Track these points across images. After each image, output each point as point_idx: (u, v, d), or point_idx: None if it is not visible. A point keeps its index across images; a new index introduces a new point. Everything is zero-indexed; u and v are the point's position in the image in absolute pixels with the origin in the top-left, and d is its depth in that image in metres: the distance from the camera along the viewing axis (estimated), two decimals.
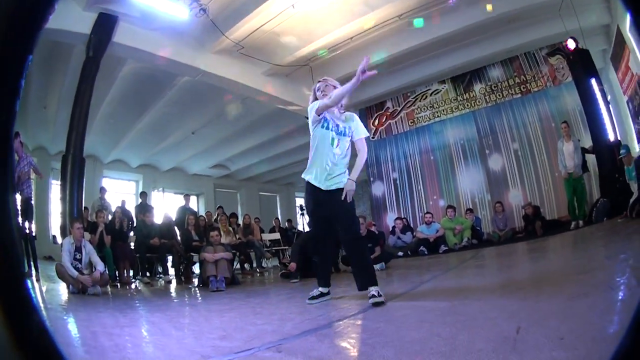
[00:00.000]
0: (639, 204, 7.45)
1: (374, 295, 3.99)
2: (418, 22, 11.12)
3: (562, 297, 3.16)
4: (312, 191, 4.59)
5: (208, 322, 4.09)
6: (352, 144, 4.67)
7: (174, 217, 11.68)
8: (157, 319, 4.59)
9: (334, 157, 4.46)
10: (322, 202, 4.51)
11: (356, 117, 4.73)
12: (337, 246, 7.01)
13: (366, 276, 4.26)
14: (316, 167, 4.53)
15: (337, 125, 4.53)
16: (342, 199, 4.38)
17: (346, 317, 3.59)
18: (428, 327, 2.89)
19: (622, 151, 8.94)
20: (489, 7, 10.80)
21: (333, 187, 4.44)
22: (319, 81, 4.76)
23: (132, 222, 10.96)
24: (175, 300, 6.57)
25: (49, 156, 12.10)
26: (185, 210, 12.08)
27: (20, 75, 1.09)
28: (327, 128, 4.51)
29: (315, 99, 4.66)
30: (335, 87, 4.61)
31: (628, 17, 9.18)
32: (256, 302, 5.23)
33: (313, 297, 4.62)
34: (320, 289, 4.67)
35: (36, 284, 7.65)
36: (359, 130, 4.64)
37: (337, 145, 4.48)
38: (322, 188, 4.47)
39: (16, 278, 1.15)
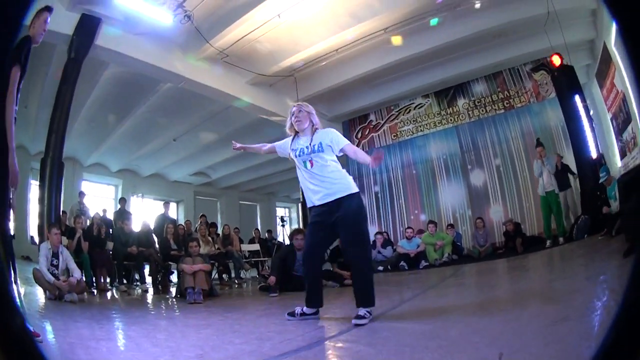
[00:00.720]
0: (619, 221, 7.44)
1: (361, 316, 3.92)
2: (434, 21, 11.11)
3: (544, 321, 3.14)
4: (311, 212, 4.58)
5: (185, 339, 3.97)
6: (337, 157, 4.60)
7: (152, 225, 11.51)
8: (133, 332, 4.47)
9: (312, 175, 4.44)
10: (321, 212, 4.43)
11: (330, 132, 4.65)
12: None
13: (367, 294, 4.18)
14: (307, 193, 4.54)
15: (306, 147, 4.52)
16: (354, 211, 4.32)
17: (326, 339, 3.51)
18: (409, 352, 2.81)
19: (602, 174, 8.97)
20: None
21: (333, 198, 4.34)
22: (294, 106, 4.75)
23: (110, 230, 10.73)
24: (152, 312, 6.41)
25: (29, 156, 11.89)
26: (164, 219, 11.92)
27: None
28: (296, 156, 4.58)
29: (291, 124, 4.69)
30: (309, 113, 4.65)
31: (613, 32, 9.28)
32: (234, 318, 5.12)
33: (293, 314, 4.51)
34: (306, 309, 4.52)
35: (14, 286, 7.47)
36: (338, 142, 4.55)
37: (312, 166, 4.45)
38: (322, 202, 4.40)
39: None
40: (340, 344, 3.31)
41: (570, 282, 4.89)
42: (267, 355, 3.01)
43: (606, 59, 10.29)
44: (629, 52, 1.17)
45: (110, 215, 12.14)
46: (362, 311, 4.00)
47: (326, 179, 4.37)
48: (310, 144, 4.49)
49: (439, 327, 3.50)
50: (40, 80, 10.44)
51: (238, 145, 5.29)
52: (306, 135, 4.61)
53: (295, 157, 4.57)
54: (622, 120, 9.88)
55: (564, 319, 3.07)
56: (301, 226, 15.74)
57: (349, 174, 4.54)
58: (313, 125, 4.64)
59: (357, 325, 3.82)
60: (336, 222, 4.31)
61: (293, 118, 4.64)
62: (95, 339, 3.95)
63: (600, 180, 8.97)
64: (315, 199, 4.43)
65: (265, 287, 8.24)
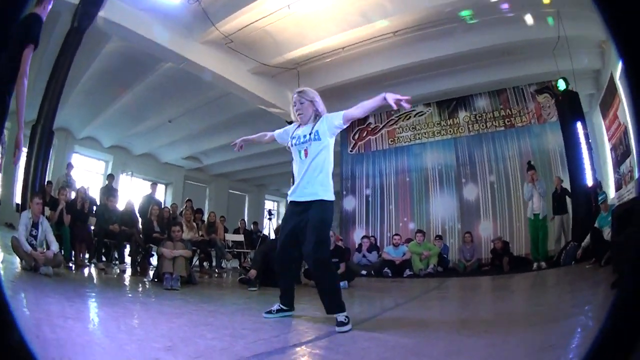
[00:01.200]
0: (608, 252, 7.37)
1: (341, 322, 3.75)
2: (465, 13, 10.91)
3: (530, 347, 3.05)
4: (289, 204, 4.43)
5: (155, 327, 3.78)
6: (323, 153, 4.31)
7: (137, 204, 11.34)
8: (103, 314, 4.33)
9: (304, 166, 4.24)
10: (294, 213, 4.28)
11: (325, 116, 4.37)
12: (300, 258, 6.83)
13: (333, 302, 4.01)
14: (294, 183, 4.34)
15: (303, 136, 4.30)
16: (319, 216, 4.13)
17: (302, 343, 3.35)
18: None
19: (600, 197, 8.89)
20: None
21: (307, 199, 4.18)
22: (295, 93, 4.48)
23: (94, 206, 10.54)
24: (126, 295, 6.21)
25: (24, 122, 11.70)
26: (150, 200, 11.78)
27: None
28: (293, 145, 4.38)
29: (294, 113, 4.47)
30: (312, 101, 4.36)
31: (620, 66, 9.21)
32: (209, 310, 4.93)
33: (270, 312, 4.39)
34: (282, 305, 4.42)
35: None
36: (334, 118, 4.28)
37: (306, 155, 4.25)
38: (297, 200, 4.25)
39: None
40: (316, 350, 3.16)
41: (556, 309, 4.75)
42: (238, 355, 2.84)
43: (612, 90, 10.23)
44: (631, 91, 1.17)
45: (93, 192, 11.89)
46: (340, 317, 3.82)
47: (312, 178, 4.19)
48: (307, 132, 4.29)
49: (422, 342, 3.36)
50: (41, 47, 10.24)
51: (239, 142, 5.03)
52: (309, 124, 4.37)
53: (292, 146, 4.37)
54: (621, 152, 9.81)
55: (550, 346, 2.99)
56: None
57: (343, 175, 4.39)
58: (316, 114, 4.38)
59: (341, 332, 3.66)
60: (304, 221, 4.18)
61: (294, 109, 4.41)
62: (64, 316, 3.76)
63: (599, 202, 8.90)
64: (296, 194, 4.29)
65: (245, 280, 8.06)
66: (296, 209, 4.27)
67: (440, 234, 13.26)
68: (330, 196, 4.21)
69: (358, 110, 4.27)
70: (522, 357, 2.88)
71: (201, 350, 2.97)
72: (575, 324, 3.69)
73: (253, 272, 7.69)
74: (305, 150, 4.24)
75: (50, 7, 3.78)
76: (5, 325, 1.18)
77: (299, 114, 4.37)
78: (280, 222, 8.71)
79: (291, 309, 4.46)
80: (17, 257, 6.97)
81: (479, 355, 2.95)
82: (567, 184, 10.93)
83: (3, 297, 1.20)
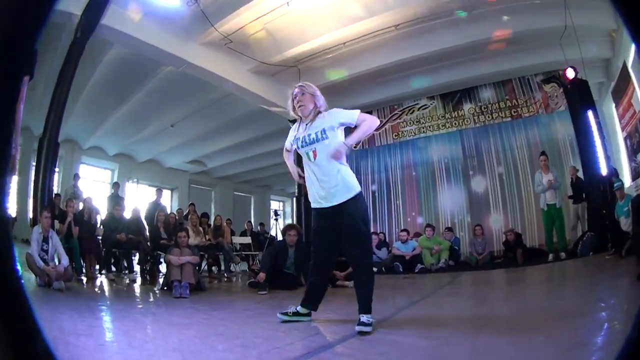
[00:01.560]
0: (630, 242, 7.21)
1: (363, 323, 3.64)
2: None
3: (559, 346, 2.86)
4: (315, 214, 4.23)
5: (165, 341, 3.66)
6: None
7: (143, 212, 11.26)
8: (114, 328, 4.27)
9: (316, 168, 4.06)
10: (327, 216, 4.10)
11: (334, 112, 4.18)
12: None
13: (368, 303, 3.88)
14: (310, 189, 4.19)
15: (307, 136, 4.12)
16: (355, 217, 3.99)
17: (319, 350, 3.17)
18: None
19: (616, 184, 8.71)
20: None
21: (338, 201, 4.01)
22: (295, 87, 4.31)
23: (97, 215, 10.45)
24: (135, 307, 6.10)
25: (32, 137, 11.63)
26: (155, 206, 11.74)
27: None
28: (299, 147, 4.20)
29: (293, 105, 4.29)
30: (313, 95, 4.21)
31: (632, 53, 9.06)
32: (220, 318, 4.81)
33: (286, 314, 4.27)
34: (300, 308, 4.28)
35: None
36: (347, 117, 4.11)
37: (315, 157, 4.07)
38: (325, 206, 4.08)
39: (10, 276, 1.15)
40: (333, 358, 3.01)
41: (580, 303, 4.58)
42: None
43: (625, 78, 10.05)
44: None
45: (100, 201, 11.80)
46: (364, 317, 3.71)
47: (329, 177, 4.01)
48: (313, 131, 4.11)
49: (442, 345, 3.22)
50: (48, 62, 10.18)
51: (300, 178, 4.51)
52: (309, 120, 4.21)
53: (299, 148, 4.20)
54: (637, 141, 9.63)
55: (580, 344, 2.86)
56: (294, 221, 15.43)
57: None
58: (316, 108, 4.23)
59: (360, 332, 3.56)
60: (339, 225, 4.01)
61: (295, 102, 4.25)
62: (76, 333, 3.67)
63: (615, 189, 8.72)
64: (319, 200, 4.11)
65: (254, 283, 7.96)
66: (327, 213, 4.09)
67: (449, 226, 13.11)
68: (357, 187, 4.07)
69: (367, 122, 4.11)
70: (551, 356, 2.72)
71: None
72: (603, 319, 3.55)
73: (262, 275, 7.55)
74: (314, 152, 4.07)
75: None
76: (32, 335, 1.15)
77: (299, 106, 4.21)
78: (286, 222, 8.61)
79: (309, 314, 4.31)
80: (32, 274, 6.90)
81: (505, 356, 2.82)
82: (580, 173, 10.77)
83: (29, 306, 1.16)
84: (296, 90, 4.25)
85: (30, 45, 1.15)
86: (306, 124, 4.21)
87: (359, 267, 4.09)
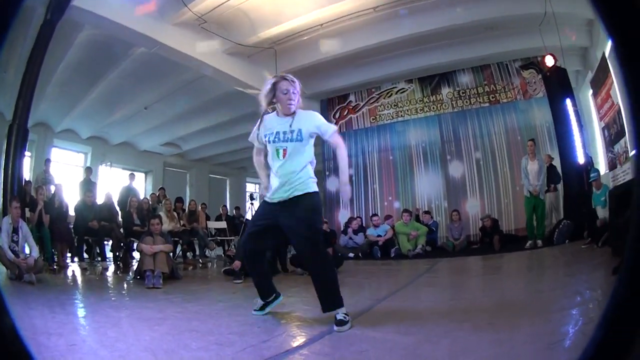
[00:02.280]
0: (606, 233, 7.23)
1: (341, 321, 3.51)
2: None
3: (539, 343, 2.83)
4: (262, 205, 4.13)
5: (137, 338, 3.54)
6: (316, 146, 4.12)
7: (115, 197, 11.07)
8: (86, 326, 4.23)
9: (281, 167, 3.87)
10: (270, 211, 3.97)
11: (315, 117, 4.04)
12: (285, 244, 6.56)
13: (330, 296, 3.73)
14: (272, 183, 3.98)
15: (283, 133, 3.91)
16: (306, 209, 3.81)
17: (295, 349, 3.09)
18: None
19: (592, 174, 8.73)
20: None
21: (287, 196, 3.84)
22: (285, 79, 3.94)
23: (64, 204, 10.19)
24: (108, 300, 5.90)
25: (4, 122, 11.35)
26: (128, 191, 11.55)
27: None
28: (270, 141, 3.95)
29: (273, 95, 3.95)
30: (300, 95, 3.99)
31: (609, 45, 9.05)
32: (194, 311, 4.68)
33: (259, 309, 4.20)
34: (264, 300, 4.22)
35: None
36: (326, 131, 3.94)
37: (284, 156, 3.87)
38: (273, 201, 3.94)
39: None
40: (310, 357, 2.89)
41: (559, 295, 4.57)
42: None
43: (604, 69, 10.04)
44: (621, 71, 1.12)
45: (69, 188, 11.54)
46: (339, 314, 3.57)
47: (293, 179, 3.85)
48: (289, 129, 3.90)
49: (422, 340, 3.14)
50: (19, 44, 9.90)
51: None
52: (286, 117, 3.97)
53: (269, 142, 3.95)
54: (616, 132, 9.65)
55: (560, 340, 2.86)
56: None
57: (325, 156, 4.08)
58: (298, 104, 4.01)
59: (340, 332, 3.44)
60: (284, 220, 3.88)
61: (285, 97, 3.91)
62: (47, 332, 3.58)
63: (590, 180, 8.74)
64: (271, 194, 3.96)
65: (229, 271, 7.83)
66: (273, 206, 3.95)
67: (427, 209, 13.10)
68: (314, 188, 3.91)
69: (341, 151, 4.01)
70: (531, 354, 2.69)
71: None
72: (580, 315, 3.49)
73: (237, 263, 7.43)
74: (284, 150, 3.87)
75: None
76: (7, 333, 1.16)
77: (289, 103, 3.90)
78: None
79: (275, 297, 4.25)
80: (3, 267, 6.79)
81: (485, 354, 2.77)
82: (557, 161, 10.83)
83: (4, 305, 1.18)
84: (289, 86, 3.92)
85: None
86: (281, 119, 3.98)
87: (309, 262, 3.99)
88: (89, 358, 3.03)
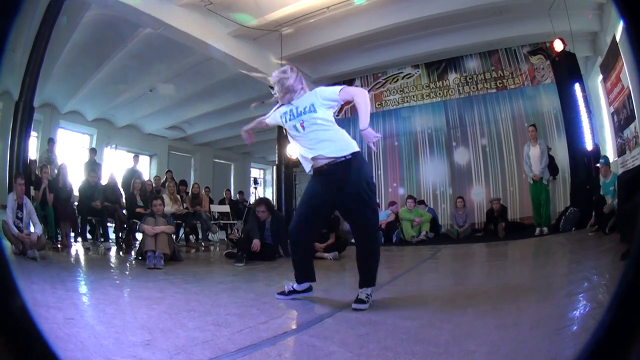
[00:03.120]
0: (614, 219, 7.16)
1: (361, 300, 3.55)
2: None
3: (545, 328, 2.77)
4: (311, 177, 4.03)
5: (134, 316, 3.55)
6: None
7: (119, 179, 11.08)
8: (84, 302, 4.25)
9: (305, 137, 3.88)
10: (322, 175, 3.88)
11: (317, 91, 4.03)
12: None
13: (370, 275, 3.79)
14: (302, 160, 3.99)
15: (296, 109, 3.95)
16: (355, 173, 3.76)
17: (293, 332, 3.06)
18: (392, 358, 2.38)
19: (600, 160, 8.64)
20: None
21: (329, 161, 3.80)
22: (291, 69, 4.10)
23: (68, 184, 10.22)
24: (108, 278, 5.90)
25: (11, 101, 11.36)
26: (132, 173, 11.57)
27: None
28: (286, 120, 4.00)
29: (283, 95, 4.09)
30: (296, 79, 4.07)
31: (620, 28, 8.93)
32: (193, 292, 4.66)
33: (283, 292, 4.12)
34: (296, 285, 4.09)
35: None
36: (331, 93, 3.94)
37: (304, 128, 3.87)
38: (315, 166, 3.89)
39: None
40: (309, 340, 2.83)
41: (566, 281, 4.50)
42: (221, 349, 2.57)
43: (614, 52, 9.91)
44: (634, 54, 1.08)
45: (73, 168, 11.56)
46: (363, 294, 3.61)
47: (322, 139, 3.82)
48: (300, 105, 3.93)
49: (425, 325, 3.08)
50: (27, 23, 9.85)
51: (244, 135, 4.58)
52: (298, 98, 4.02)
53: (286, 122, 4.00)
54: (625, 117, 9.54)
55: (566, 326, 2.78)
56: (274, 189, 15.36)
57: None
58: (302, 89, 4.06)
59: (356, 309, 3.46)
60: (337, 189, 3.79)
61: (278, 90, 4.07)
62: (47, 305, 3.65)
63: (597, 164, 8.67)
64: (311, 164, 3.90)
65: (231, 254, 7.82)
66: (321, 178, 3.89)
67: (423, 199, 12.99)
68: (354, 146, 3.86)
69: (357, 98, 3.94)
70: (538, 339, 2.61)
71: (181, 344, 2.69)
72: (588, 300, 3.42)
73: (257, 242, 7.53)
74: (302, 123, 3.88)
75: None
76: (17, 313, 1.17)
77: (284, 94, 4.03)
78: (266, 190, 8.62)
79: (308, 288, 4.14)
80: (8, 242, 6.80)
81: (490, 339, 2.69)
82: (564, 148, 10.83)
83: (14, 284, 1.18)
84: (273, 82, 4.13)
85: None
86: (295, 101, 4.03)
87: (364, 234, 3.89)
88: (85, 332, 3.01)
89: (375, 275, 3.79)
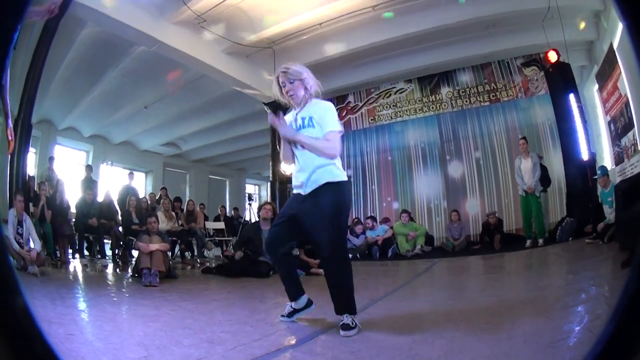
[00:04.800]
0: (613, 228, 7.20)
1: (347, 326, 3.37)
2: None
3: (540, 342, 2.77)
4: (290, 198, 4.00)
5: (131, 333, 3.55)
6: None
7: (115, 196, 11.12)
8: (83, 318, 4.30)
9: (300, 154, 3.76)
10: (295, 202, 3.82)
11: (324, 106, 3.87)
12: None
13: (342, 301, 3.59)
14: (294, 176, 3.86)
15: (295, 121, 3.84)
16: (331, 202, 3.61)
17: (286, 348, 3.05)
18: None
19: (598, 172, 8.69)
20: None
21: (312, 187, 3.68)
22: (280, 71, 3.85)
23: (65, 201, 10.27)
24: (106, 295, 5.92)
25: (11, 117, 11.43)
26: (127, 190, 11.60)
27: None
28: None
29: (280, 91, 3.87)
30: (302, 80, 3.80)
31: (619, 35, 9.01)
32: (188, 309, 4.67)
33: (286, 315, 3.96)
34: (293, 304, 3.94)
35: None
36: (325, 122, 3.74)
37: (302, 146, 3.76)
38: (302, 193, 3.78)
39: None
40: (302, 356, 2.85)
41: (562, 293, 4.54)
42: None
43: (611, 60, 9.98)
44: (637, 57, 1.08)
45: (70, 185, 11.60)
46: (347, 318, 3.44)
47: (314, 168, 3.69)
48: (300, 118, 3.82)
49: (418, 341, 3.06)
50: (25, 39, 9.93)
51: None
52: (300, 107, 3.88)
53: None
54: (623, 125, 9.61)
55: (563, 338, 2.78)
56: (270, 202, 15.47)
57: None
58: (307, 93, 3.85)
59: (346, 337, 3.29)
60: (306, 211, 3.69)
61: (285, 91, 3.85)
62: (49, 320, 3.72)
63: (595, 177, 8.71)
64: (297, 185, 3.82)
65: (207, 270, 8.31)
66: (301, 197, 3.78)
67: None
68: (340, 176, 3.73)
69: (323, 143, 3.73)
70: (532, 352, 2.64)
71: None
72: (587, 311, 3.45)
73: (239, 254, 7.94)
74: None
75: None
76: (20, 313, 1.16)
77: (290, 95, 3.82)
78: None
79: (307, 305, 3.97)
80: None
81: (483, 354, 2.70)
82: (559, 158, 10.91)
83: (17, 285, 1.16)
84: (282, 78, 3.84)
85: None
86: (297, 112, 3.90)
87: (325, 260, 3.76)
88: (85, 348, 3.07)
89: (352, 301, 3.60)
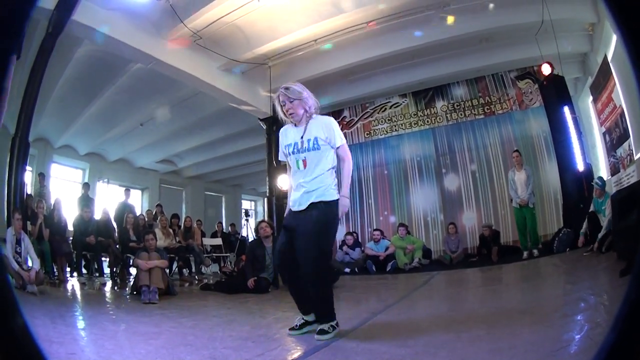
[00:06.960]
0: (609, 237, 7.21)
1: (322, 331, 3.57)
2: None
3: (540, 351, 2.80)
4: (288, 214, 4.08)
5: (132, 351, 3.54)
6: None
7: (112, 213, 11.10)
8: (84, 337, 4.30)
9: (303, 177, 3.86)
10: (293, 217, 3.94)
11: (326, 123, 3.99)
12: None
13: (319, 310, 3.76)
14: (292, 194, 3.98)
15: (300, 142, 3.90)
16: (313, 220, 3.75)
17: None
18: None
19: (598, 183, 8.70)
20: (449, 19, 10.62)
21: (302, 207, 3.82)
22: (280, 92, 3.98)
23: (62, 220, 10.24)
24: (105, 313, 5.91)
25: (9, 135, 11.38)
26: (124, 207, 11.58)
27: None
28: (290, 153, 3.97)
29: (282, 110, 4.01)
30: (301, 100, 3.92)
31: (613, 46, 9.09)
32: (189, 326, 4.66)
33: (294, 328, 3.98)
34: (306, 317, 3.99)
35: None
36: (333, 138, 3.92)
37: (305, 166, 3.87)
38: (294, 209, 3.91)
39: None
40: None
41: (562, 302, 4.58)
42: None
43: (605, 72, 10.06)
44: (633, 66, 1.07)
45: (67, 203, 11.57)
46: (325, 325, 3.60)
47: (314, 188, 3.81)
48: (305, 138, 3.90)
49: (420, 352, 3.08)
50: (23, 57, 9.95)
51: None
52: (301, 124, 3.98)
53: (289, 154, 3.98)
54: (618, 135, 9.67)
55: (564, 347, 2.82)
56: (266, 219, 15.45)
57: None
58: (307, 112, 3.97)
59: (319, 340, 3.48)
60: (297, 229, 3.83)
61: (284, 109, 3.98)
62: (49, 340, 3.67)
63: (595, 187, 8.72)
64: (295, 204, 3.90)
65: (206, 286, 8.30)
66: (294, 214, 3.92)
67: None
68: (333, 195, 3.84)
69: (347, 164, 4.07)
70: None
71: None
72: (586, 319, 3.47)
73: (251, 282, 7.67)
74: (304, 161, 3.88)
75: None
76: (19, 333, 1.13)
77: (290, 114, 3.95)
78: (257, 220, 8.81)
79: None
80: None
81: None
82: (555, 170, 10.99)
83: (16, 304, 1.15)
84: (282, 97, 3.97)
85: (22, 21, 1.16)
86: (298, 129, 3.99)
87: (306, 278, 3.82)
88: None
89: (330, 311, 3.77)
